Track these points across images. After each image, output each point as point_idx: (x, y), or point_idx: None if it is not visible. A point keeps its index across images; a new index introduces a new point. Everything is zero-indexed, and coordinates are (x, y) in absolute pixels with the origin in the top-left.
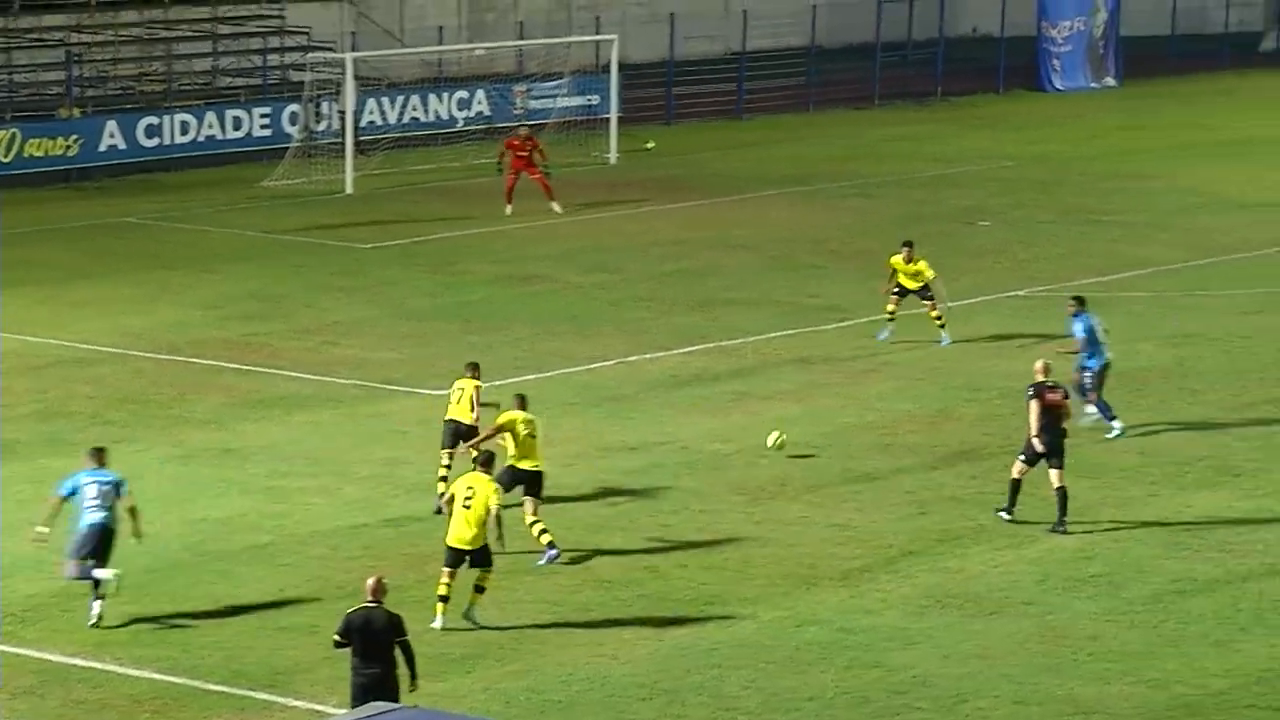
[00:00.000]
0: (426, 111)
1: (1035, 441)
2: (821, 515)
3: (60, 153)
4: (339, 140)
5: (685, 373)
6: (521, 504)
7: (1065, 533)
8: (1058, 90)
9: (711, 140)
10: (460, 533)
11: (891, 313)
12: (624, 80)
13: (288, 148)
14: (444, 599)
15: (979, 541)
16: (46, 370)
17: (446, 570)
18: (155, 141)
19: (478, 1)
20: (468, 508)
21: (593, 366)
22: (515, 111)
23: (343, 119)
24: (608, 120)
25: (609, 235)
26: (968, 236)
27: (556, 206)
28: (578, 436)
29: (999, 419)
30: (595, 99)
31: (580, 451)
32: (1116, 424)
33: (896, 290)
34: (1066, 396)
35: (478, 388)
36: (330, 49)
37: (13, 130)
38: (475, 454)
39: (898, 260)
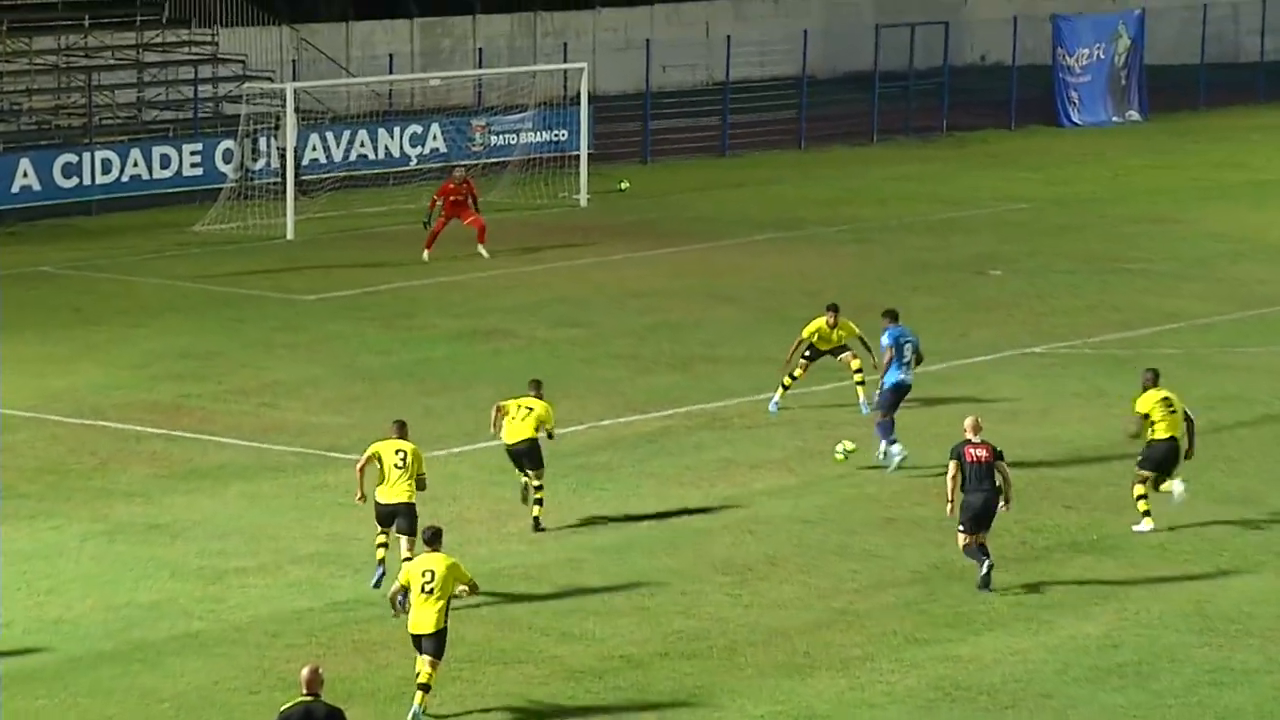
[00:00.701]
0: (376, 148)
1: (964, 506)
2: (817, 597)
3: None
4: (278, 180)
5: (665, 438)
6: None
7: (989, 579)
8: (1076, 125)
9: (692, 180)
10: (423, 620)
11: (794, 378)
12: (595, 113)
13: (221, 188)
14: (425, 687)
15: (992, 626)
16: None
17: (420, 657)
18: (74, 182)
19: (432, 27)
20: (429, 593)
21: (563, 431)
22: (474, 148)
23: (283, 156)
24: (577, 158)
25: (580, 286)
26: (978, 287)
27: (484, 251)
28: (546, 509)
29: (1015, 489)
30: (563, 134)
31: (546, 526)
32: (895, 450)
33: (807, 354)
34: (997, 455)
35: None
36: (269, 79)
37: None
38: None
39: (820, 325)
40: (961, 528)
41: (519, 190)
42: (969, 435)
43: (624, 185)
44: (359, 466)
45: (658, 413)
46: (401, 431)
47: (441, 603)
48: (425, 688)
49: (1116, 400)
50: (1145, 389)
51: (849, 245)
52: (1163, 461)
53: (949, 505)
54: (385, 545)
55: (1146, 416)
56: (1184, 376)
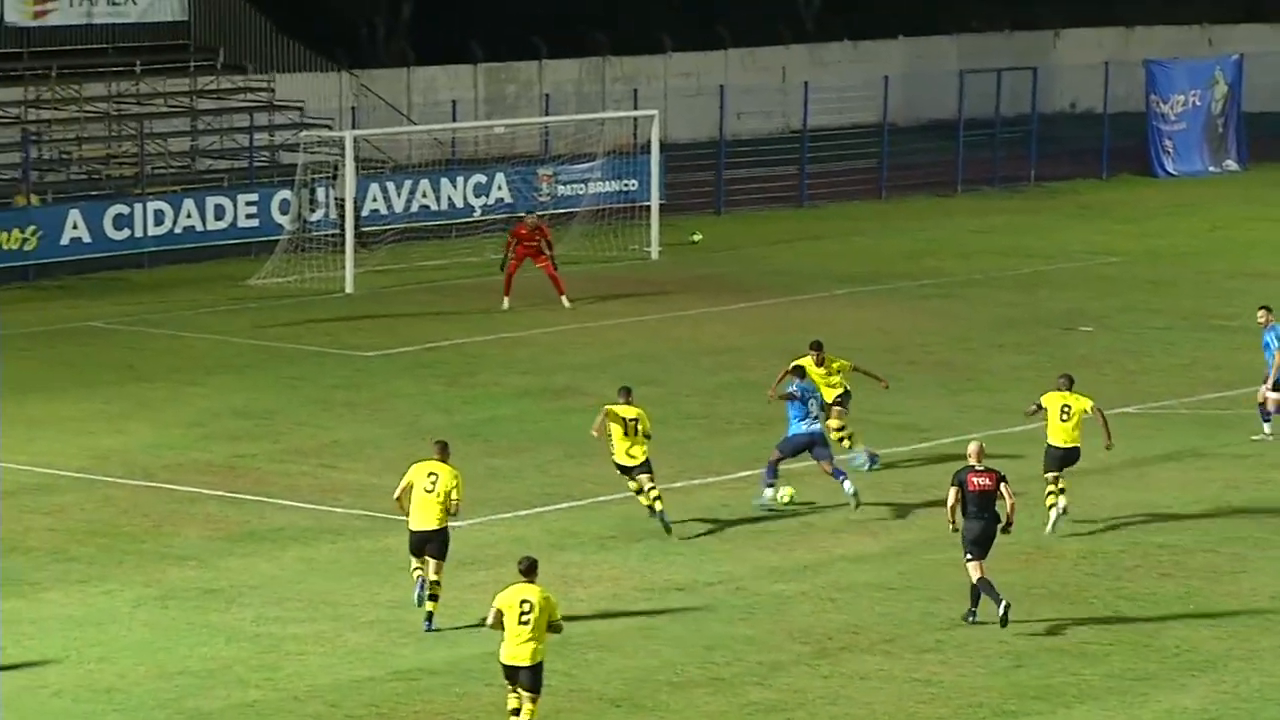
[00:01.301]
0: (438, 198)
1: (965, 533)
2: (900, 668)
3: (16, 247)
4: (337, 231)
5: (740, 502)
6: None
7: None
8: (1171, 175)
9: (768, 231)
10: (519, 651)
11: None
12: (666, 162)
13: (278, 240)
14: (516, 712)
15: (1084, 699)
16: None
17: (509, 686)
18: (125, 233)
19: (496, 72)
20: (525, 623)
21: (634, 494)
22: (541, 198)
23: (341, 207)
24: (648, 208)
25: (651, 342)
26: (1067, 344)
27: (566, 301)
28: (617, 575)
29: (1106, 556)
30: (633, 184)
31: (619, 593)
32: (768, 494)
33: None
34: (1000, 480)
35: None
36: (327, 126)
37: None
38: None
39: (807, 363)
40: (968, 555)
41: (587, 242)
42: (972, 462)
43: (696, 237)
44: (396, 496)
45: (733, 474)
46: (442, 453)
47: (539, 636)
48: None
49: (1214, 463)
50: (1057, 390)
51: (932, 300)
52: (1059, 462)
53: (951, 527)
54: (422, 567)
55: (1044, 409)
56: None
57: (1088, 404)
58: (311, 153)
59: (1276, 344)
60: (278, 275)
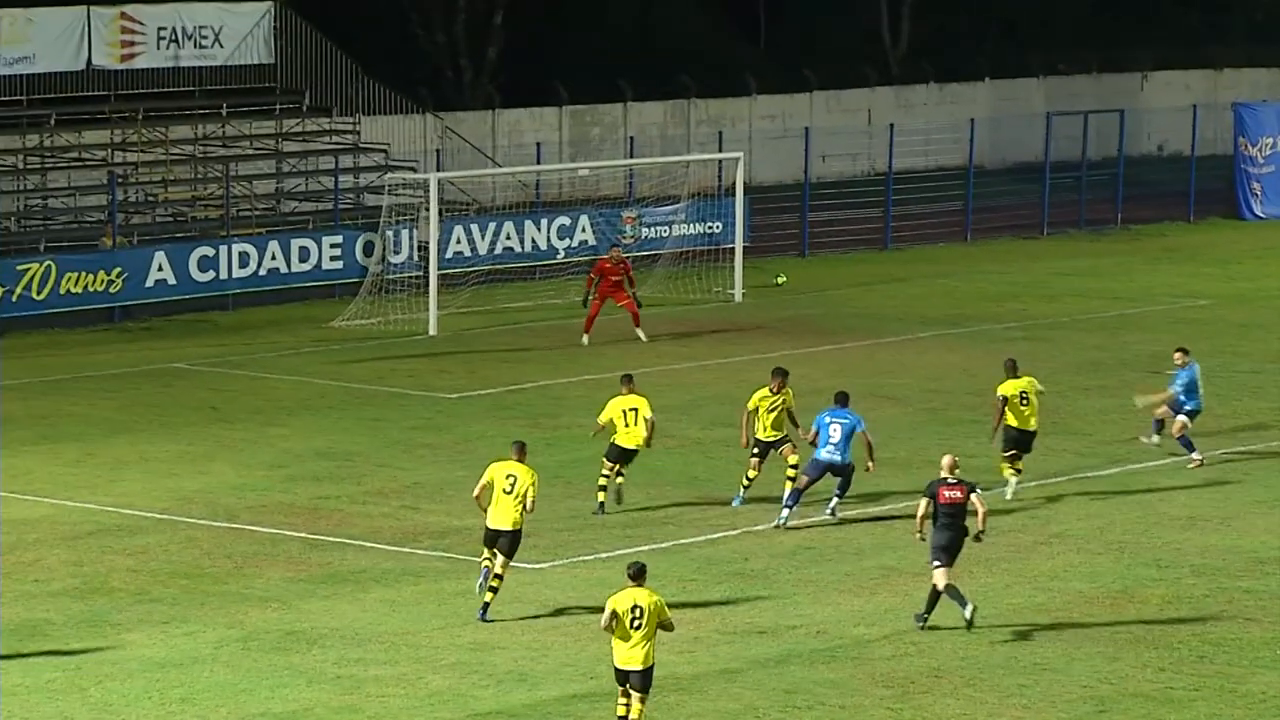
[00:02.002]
0: (522, 240)
1: (934, 542)
2: (984, 712)
3: (101, 288)
4: (421, 274)
5: (824, 544)
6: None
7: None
8: (1259, 218)
9: (853, 274)
10: (631, 655)
11: (751, 479)
12: (751, 204)
13: (362, 282)
14: (624, 719)
15: None
16: (83, 540)
17: (621, 689)
18: (210, 275)
19: (581, 115)
20: (637, 628)
21: (715, 536)
22: (625, 240)
23: (425, 249)
24: (732, 251)
25: (734, 384)
26: (1153, 387)
27: (642, 335)
28: (698, 618)
29: (1191, 601)
30: (718, 226)
31: (700, 636)
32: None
33: (756, 450)
34: (971, 490)
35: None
36: (411, 169)
37: (48, 262)
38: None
39: (764, 391)
40: (936, 563)
41: (671, 285)
42: (945, 474)
43: (781, 280)
44: (476, 494)
45: (816, 518)
46: (520, 453)
47: (650, 639)
48: None
49: None
50: (1008, 377)
51: (1018, 343)
52: (1015, 443)
53: (917, 535)
54: (490, 559)
55: (1006, 400)
56: None
57: (1035, 383)
58: (396, 195)
59: (1183, 382)
60: (361, 317)
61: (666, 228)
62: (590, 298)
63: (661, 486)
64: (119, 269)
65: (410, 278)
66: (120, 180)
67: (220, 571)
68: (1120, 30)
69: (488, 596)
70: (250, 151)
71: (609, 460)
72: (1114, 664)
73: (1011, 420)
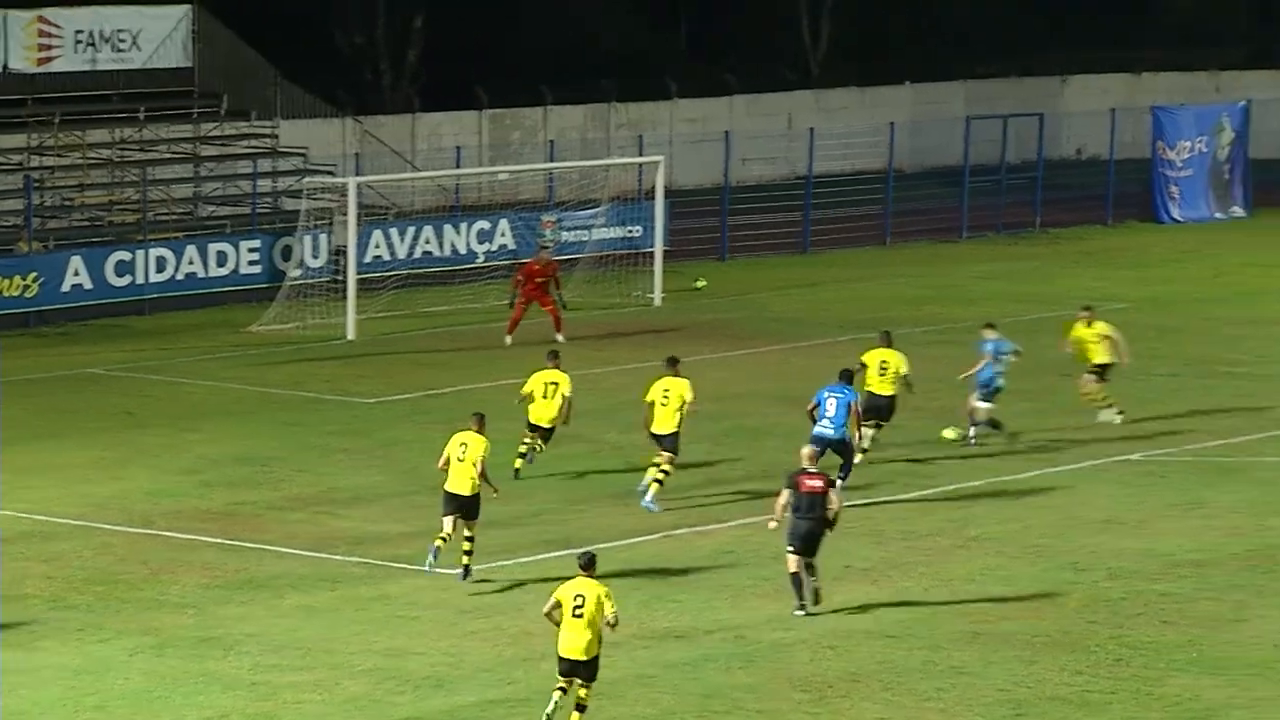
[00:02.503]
0: (441, 245)
1: (793, 530)
2: (901, 716)
3: (17, 293)
4: (339, 278)
5: (742, 549)
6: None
7: (816, 600)
8: (1176, 221)
9: (772, 278)
10: (573, 643)
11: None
12: (671, 208)
13: (279, 287)
14: (563, 689)
15: None
16: None
17: (561, 679)
18: (127, 280)
19: (501, 118)
20: (579, 616)
21: (634, 541)
22: (544, 244)
23: (341, 254)
24: (652, 255)
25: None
26: (1071, 392)
27: (561, 338)
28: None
29: (1108, 604)
30: (637, 230)
31: (618, 640)
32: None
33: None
34: (830, 484)
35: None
36: (330, 173)
37: None
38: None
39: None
40: (791, 548)
41: (590, 288)
42: (806, 465)
43: (700, 284)
44: (440, 465)
45: (734, 522)
46: (479, 425)
47: (593, 628)
48: (581, 708)
49: (1218, 512)
50: (877, 347)
51: (935, 347)
52: (875, 411)
53: (773, 523)
54: (446, 539)
55: (865, 366)
56: None
57: (902, 364)
58: (314, 199)
59: (992, 353)
60: (279, 322)
61: (586, 231)
62: (515, 299)
63: (579, 490)
64: (35, 273)
65: (328, 282)
66: (36, 184)
67: (135, 578)
68: (1039, 34)
69: (465, 560)
70: (168, 155)
71: (529, 431)
72: (1031, 667)
73: (871, 386)
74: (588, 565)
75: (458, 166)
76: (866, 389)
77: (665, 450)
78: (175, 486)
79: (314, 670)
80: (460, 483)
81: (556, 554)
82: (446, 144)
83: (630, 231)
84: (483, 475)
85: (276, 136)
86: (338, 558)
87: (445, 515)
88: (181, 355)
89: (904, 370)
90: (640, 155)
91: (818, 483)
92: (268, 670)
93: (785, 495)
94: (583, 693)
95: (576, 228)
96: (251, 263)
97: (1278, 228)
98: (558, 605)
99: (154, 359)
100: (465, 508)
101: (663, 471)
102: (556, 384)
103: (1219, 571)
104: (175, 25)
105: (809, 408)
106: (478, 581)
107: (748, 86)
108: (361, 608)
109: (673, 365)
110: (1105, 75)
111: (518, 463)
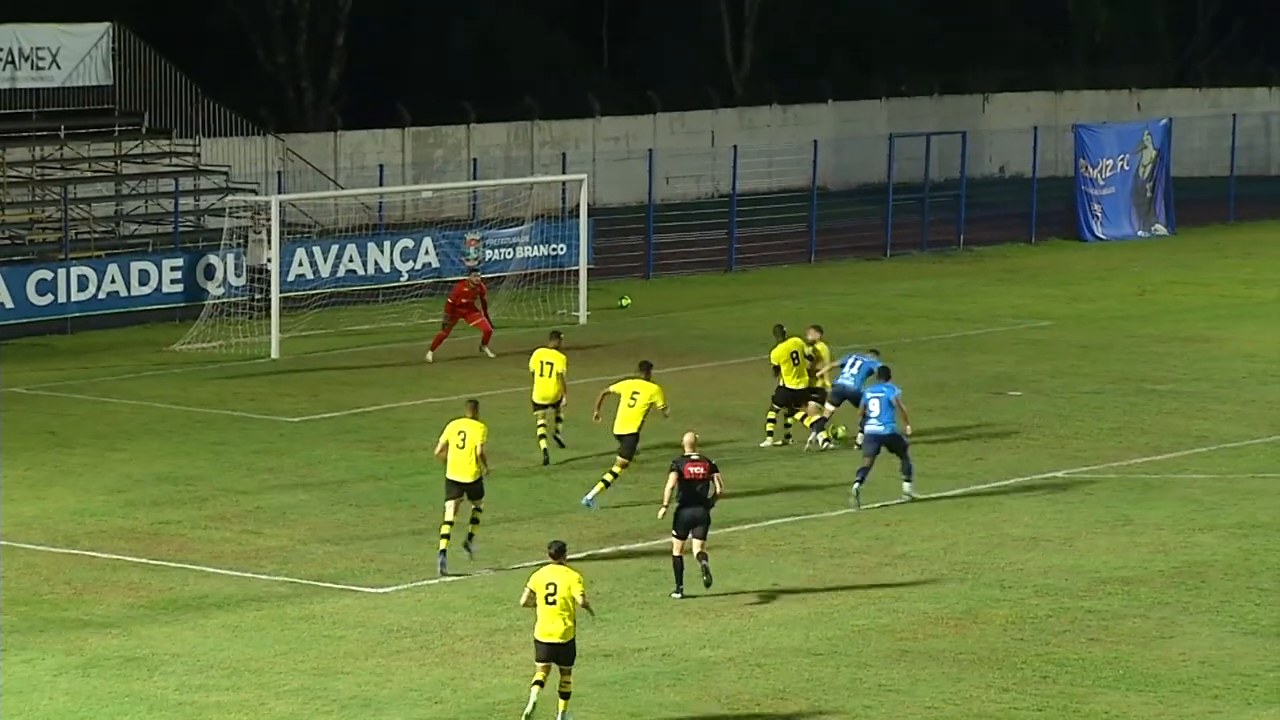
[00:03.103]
0: (365, 263)
1: (677, 515)
2: None
3: None
4: (263, 297)
5: (669, 567)
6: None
7: (710, 582)
8: (1099, 239)
9: (698, 296)
10: (549, 628)
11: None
12: (595, 226)
13: (203, 306)
14: (539, 683)
15: None
16: None
17: (539, 665)
18: (48, 299)
19: (424, 136)
20: (552, 604)
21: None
22: (468, 263)
23: (254, 273)
24: (576, 273)
25: (580, 407)
26: (996, 409)
27: (490, 352)
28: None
29: (1035, 621)
30: (561, 248)
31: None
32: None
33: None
34: (713, 469)
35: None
36: (253, 191)
37: None
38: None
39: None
40: (675, 533)
41: (515, 307)
42: (688, 452)
43: (625, 302)
44: (437, 452)
45: (661, 540)
46: (474, 411)
47: (567, 613)
48: (566, 694)
49: (1143, 528)
50: (780, 341)
51: None
52: (787, 401)
53: (661, 510)
54: (450, 524)
55: (778, 369)
56: (1214, 502)
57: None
58: (237, 217)
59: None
60: (203, 340)
61: (510, 250)
62: (446, 322)
63: (506, 509)
64: None
65: (251, 300)
66: None
67: (59, 598)
68: (962, 52)
69: (472, 529)
70: (89, 174)
71: (534, 409)
72: (958, 685)
73: (789, 380)
74: (558, 554)
75: (380, 184)
76: (782, 384)
77: (621, 456)
78: (100, 506)
79: (240, 690)
80: (462, 469)
81: (483, 573)
82: (369, 162)
83: (554, 249)
84: (481, 458)
85: (198, 155)
86: (264, 577)
87: (448, 500)
88: (105, 374)
89: (809, 351)
90: (564, 173)
91: (700, 468)
92: (194, 690)
93: (672, 479)
94: (565, 678)
95: (500, 246)
96: (174, 281)
97: (1200, 246)
98: (533, 594)
99: (77, 378)
100: (468, 491)
101: (612, 474)
102: (552, 363)
103: (1146, 588)
104: (95, 43)
105: (858, 413)
106: (405, 599)
107: (671, 104)
108: (288, 627)
109: (645, 370)
110: (1027, 94)
111: (543, 444)
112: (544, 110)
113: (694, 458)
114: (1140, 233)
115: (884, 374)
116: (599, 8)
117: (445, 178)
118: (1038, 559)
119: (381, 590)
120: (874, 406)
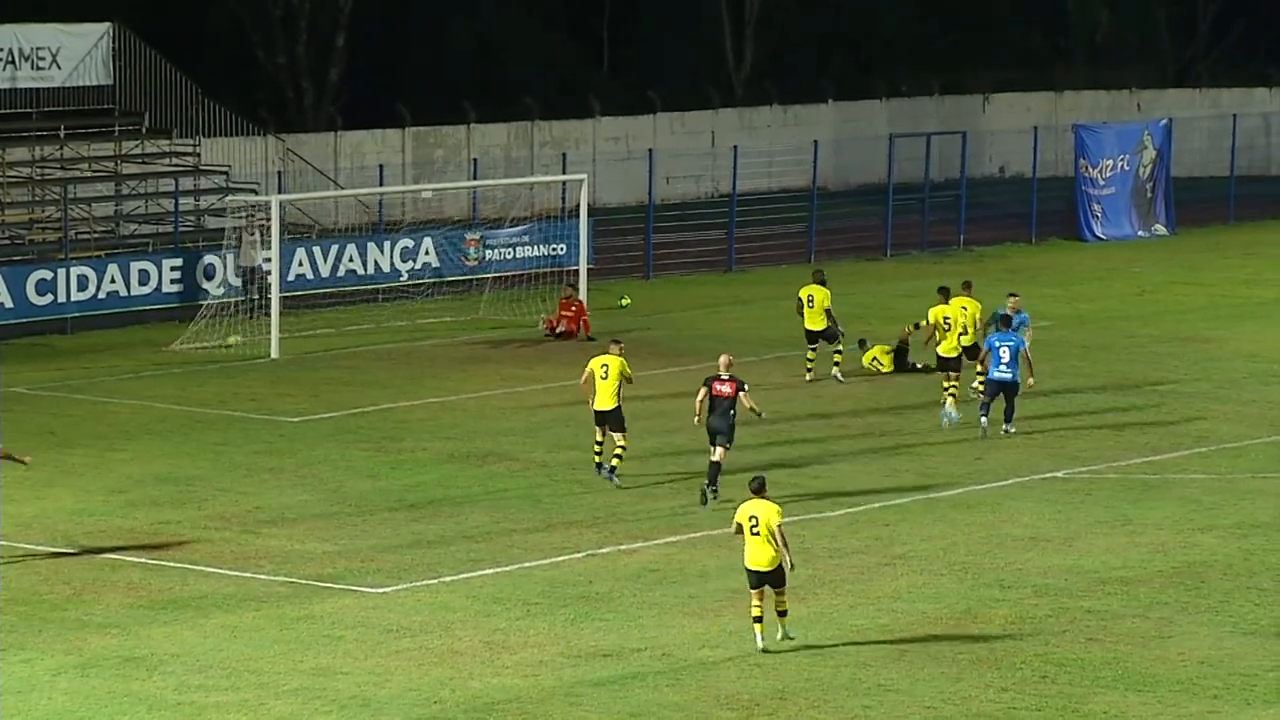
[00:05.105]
0: (365, 263)
1: (708, 424)
2: None
3: None
4: (254, 297)
5: (668, 567)
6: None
7: (715, 494)
8: (1099, 240)
9: (697, 296)
10: (757, 557)
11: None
12: (595, 226)
13: (202, 305)
14: (758, 619)
15: None
16: None
17: (754, 593)
18: (48, 299)
19: (424, 136)
20: (756, 534)
21: (560, 559)
22: (468, 263)
23: (244, 273)
24: (576, 273)
25: (578, 406)
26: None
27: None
28: (542, 641)
29: (1034, 621)
30: (562, 248)
31: (545, 659)
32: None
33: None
34: (740, 387)
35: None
36: (253, 191)
37: None
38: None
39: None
40: (712, 442)
41: (515, 306)
42: (721, 372)
43: (625, 302)
44: (582, 382)
45: (660, 540)
46: (619, 349)
47: (771, 543)
48: (783, 613)
49: (1144, 529)
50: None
51: (862, 364)
52: (944, 366)
53: (696, 418)
54: (600, 442)
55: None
56: (1213, 502)
57: (622, 365)
58: (237, 217)
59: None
60: (203, 340)
61: (510, 250)
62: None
63: (505, 509)
64: None
65: (253, 300)
66: None
67: (58, 598)
68: (962, 53)
69: (614, 463)
70: (89, 174)
71: (596, 426)
72: (957, 684)
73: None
74: (759, 489)
75: (381, 184)
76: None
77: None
78: (99, 506)
79: (240, 690)
80: (603, 399)
81: (482, 573)
82: (369, 162)
83: (554, 249)
84: (620, 387)
85: (198, 155)
86: (263, 577)
87: (598, 425)
88: (105, 374)
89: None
90: (564, 173)
91: (727, 388)
92: (193, 690)
93: (703, 393)
94: (780, 598)
95: (501, 246)
96: (174, 281)
97: (1200, 246)
98: (739, 527)
99: (77, 378)
100: (610, 420)
101: (621, 448)
102: (608, 365)
103: (1145, 588)
104: (95, 43)
105: (982, 357)
106: (405, 599)
107: (671, 105)
108: (287, 627)
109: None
110: (1027, 94)
111: (598, 459)
112: (544, 110)
113: (724, 377)
114: (1140, 233)
115: (1006, 321)
116: (599, 8)
117: (445, 178)
118: (1037, 559)
119: (381, 590)
120: (1005, 354)
